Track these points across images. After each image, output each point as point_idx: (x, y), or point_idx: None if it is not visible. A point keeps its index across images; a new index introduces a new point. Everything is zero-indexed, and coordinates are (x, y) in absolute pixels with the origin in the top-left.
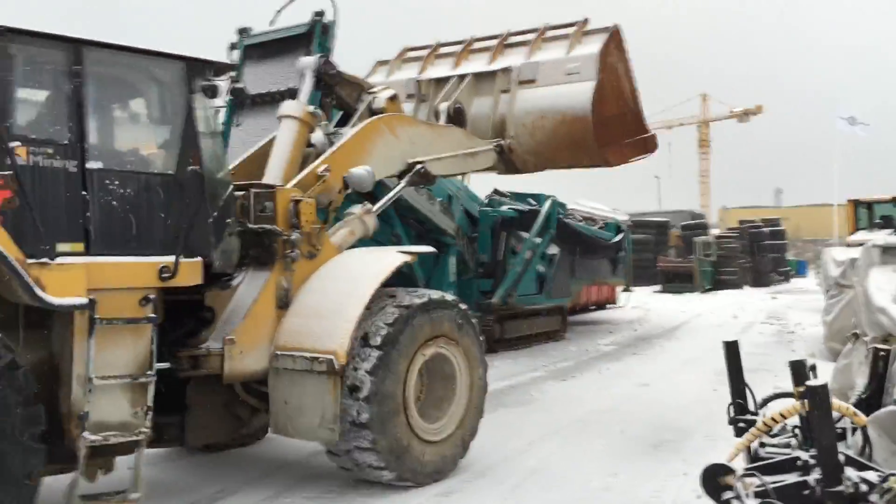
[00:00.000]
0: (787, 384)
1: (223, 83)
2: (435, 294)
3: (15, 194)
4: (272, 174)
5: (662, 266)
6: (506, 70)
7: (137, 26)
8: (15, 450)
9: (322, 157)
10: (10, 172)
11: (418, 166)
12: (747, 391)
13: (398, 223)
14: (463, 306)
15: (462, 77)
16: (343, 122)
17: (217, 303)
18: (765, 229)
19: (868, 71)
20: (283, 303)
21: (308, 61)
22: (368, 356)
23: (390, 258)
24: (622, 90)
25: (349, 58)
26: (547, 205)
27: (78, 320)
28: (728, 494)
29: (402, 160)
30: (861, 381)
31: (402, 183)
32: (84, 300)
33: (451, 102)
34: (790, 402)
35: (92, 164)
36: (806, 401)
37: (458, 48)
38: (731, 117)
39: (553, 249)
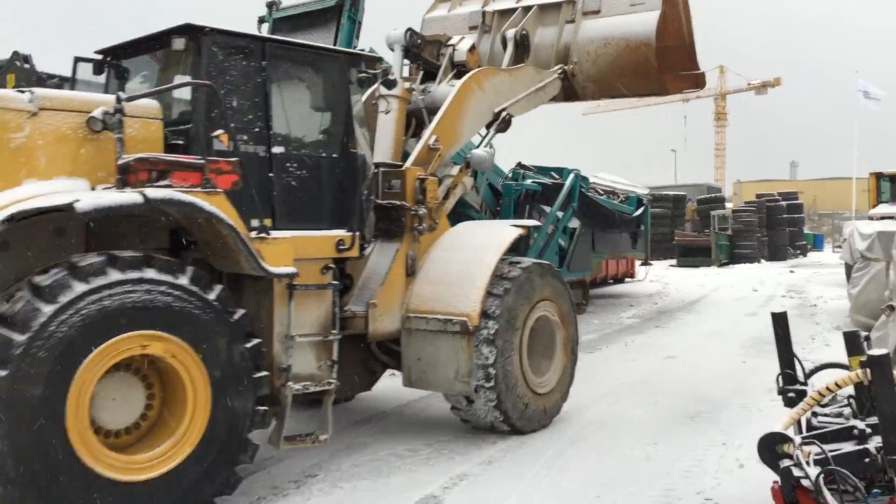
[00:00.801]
0: (817, 356)
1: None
2: (543, 262)
3: (240, 177)
4: (381, 152)
5: (679, 240)
6: (570, 1)
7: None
8: (246, 411)
9: (430, 129)
10: (237, 158)
11: (503, 114)
12: (796, 362)
13: None
14: (560, 274)
15: (527, 9)
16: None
17: (355, 271)
18: (782, 203)
19: (888, 46)
20: (411, 271)
21: (396, 36)
22: (495, 317)
23: (507, 231)
24: (680, 24)
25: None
26: (570, 178)
27: (277, 286)
28: (787, 462)
29: (490, 111)
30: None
31: (492, 132)
32: (294, 269)
33: (518, 29)
34: (842, 373)
35: (276, 150)
36: (867, 370)
37: None
38: (748, 90)
39: (574, 223)
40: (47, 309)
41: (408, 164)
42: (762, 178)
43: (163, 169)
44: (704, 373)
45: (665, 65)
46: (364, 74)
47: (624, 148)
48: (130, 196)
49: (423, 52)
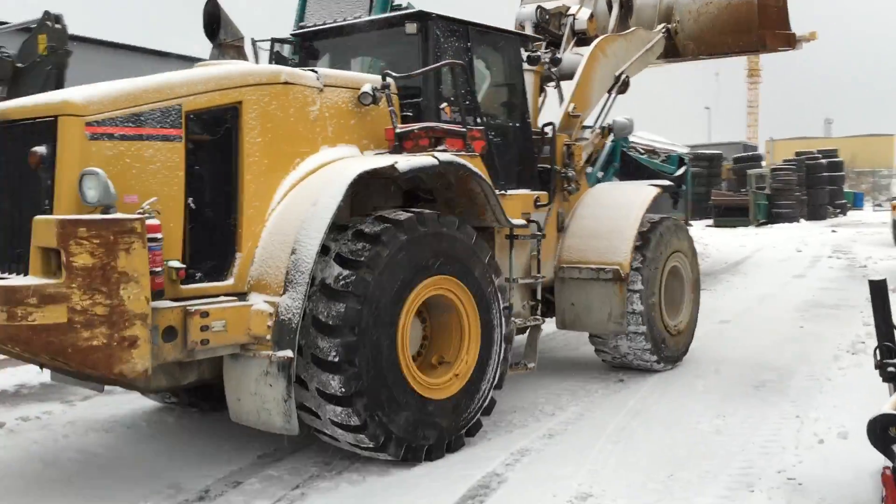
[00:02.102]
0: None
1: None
2: (675, 218)
3: (485, 143)
4: None
5: (716, 200)
6: None
7: None
8: (500, 341)
9: (568, 99)
10: (482, 126)
11: (623, 76)
12: None
13: None
14: (687, 230)
15: None
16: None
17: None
18: (822, 160)
19: None
20: (561, 227)
21: (528, 13)
22: (640, 267)
23: (647, 190)
24: None
25: None
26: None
27: (498, 237)
28: None
29: (612, 76)
30: None
31: (613, 95)
32: (523, 221)
33: None
34: None
35: (481, 121)
36: None
37: None
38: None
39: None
40: (385, 252)
41: (553, 130)
42: (796, 136)
43: (440, 136)
44: (762, 338)
45: (764, 22)
46: (532, 53)
47: (654, 105)
48: (428, 159)
49: (549, 25)
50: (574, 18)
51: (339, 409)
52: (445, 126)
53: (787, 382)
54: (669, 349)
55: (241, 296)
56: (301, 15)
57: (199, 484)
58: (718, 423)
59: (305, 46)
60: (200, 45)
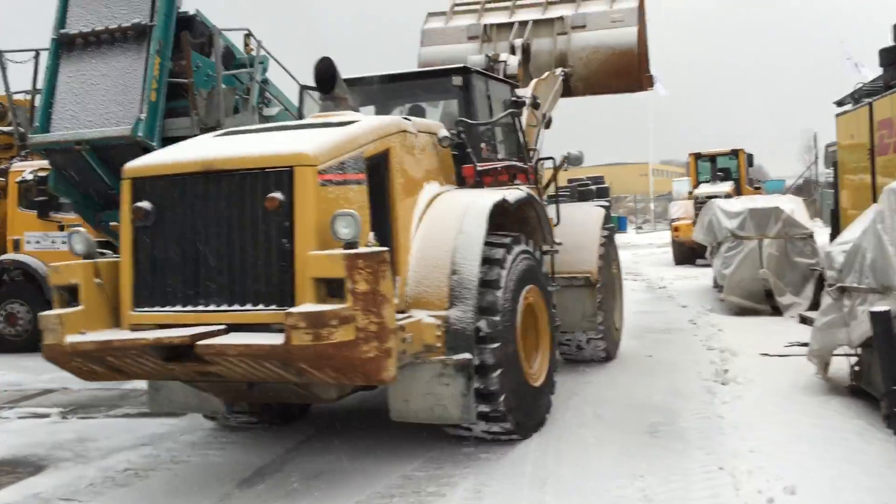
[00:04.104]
0: (726, 344)
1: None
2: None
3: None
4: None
5: None
6: (560, 18)
7: None
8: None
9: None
10: (532, 163)
11: (547, 114)
12: None
13: None
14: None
15: (523, 23)
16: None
17: None
18: (592, 187)
19: None
20: None
21: (478, 60)
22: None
23: (598, 209)
24: (644, 35)
25: None
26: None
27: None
28: None
29: (541, 114)
30: (855, 336)
31: (542, 131)
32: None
33: (524, 40)
34: None
35: (500, 155)
36: None
37: (508, 3)
38: None
39: None
40: (509, 258)
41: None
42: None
43: (514, 173)
44: (617, 373)
45: (642, 67)
46: (515, 98)
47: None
48: (520, 192)
49: (492, 71)
50: (506, 64)
51: (485, 405)
52: (518, 164)
53: (679, 424)
54: (614, 344)
55: (400, 313)
56: (62, 19)
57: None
58: (641, 486)
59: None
60: None
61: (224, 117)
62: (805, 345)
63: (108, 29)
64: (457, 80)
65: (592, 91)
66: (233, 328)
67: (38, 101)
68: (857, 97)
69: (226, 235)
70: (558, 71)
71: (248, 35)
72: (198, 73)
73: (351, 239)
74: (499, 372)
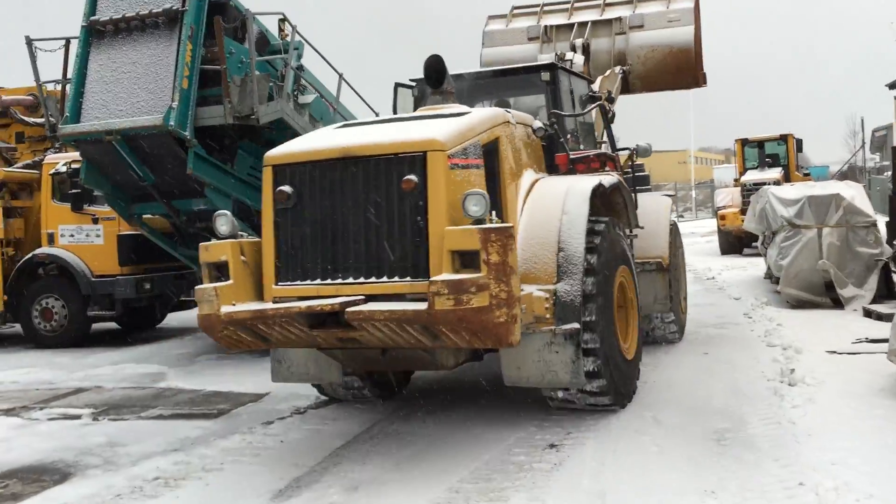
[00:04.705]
0: (789, 341)
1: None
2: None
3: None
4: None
5: None
6: (619, 19)
7: None
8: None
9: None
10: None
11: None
12: None
13: None
14: None
15: (582, 24)
16: None
17: None
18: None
19: None
20: None
21: (549, 58)
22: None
23: (665, 199)
24: (700, 34)
25: None
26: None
27: None
28: None
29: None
30: None
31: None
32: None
33: (584, 40)
34: None
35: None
36: None
37: (566, 6)
38: None
39: None
40: (607, 238)
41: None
42: None
43: (604, 161)
44: (673, 371)
45: (697, 64)
46: (592, 93)
47: None
48: (612, 178)
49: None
50: (572, 63)
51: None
52: (608, 153)
53: (747, 431)
54: (682, 325)
55: None
56: (92, 5)
57: None
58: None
59: (422, 91)
60: None
61: (258, 105)
62: (876, 341)
63: (138, 15)
64: (545, 76)
65: (650, 88)
66: (370, 298)
67: (68, 90)
68: None
69: (363, 214)
70: (618, 69)
71: (283, 20)
72: (231, 59)
73: (480, 216)
74: (601, 338)
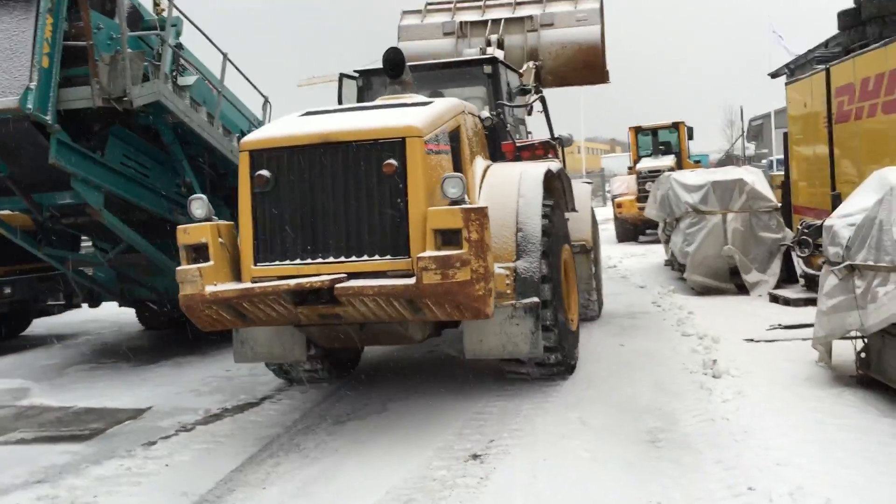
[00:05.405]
0: (713, 330)
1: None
2: None
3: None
4: None
5: None
6: (530, 17)
7: None
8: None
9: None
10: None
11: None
12: None
13: (189, 170)
14: None
15: (496, 21)
16: None
17: None
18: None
19: None
20: None
21: (473, 52)
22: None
23: (587, 185)
24: (603, 34)
25: None
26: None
27: None
28: None
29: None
30: (874, 320)
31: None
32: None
33: (498, 36)
34: None
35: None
36: None
37: (479, 2)
38: None
39: None
40: (555, 219)
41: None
42: None
43: (548, 148)
44: (590, 364)
45: (604, 62)
46: (523, 86)
47: None
48: (557, 164)
49: None
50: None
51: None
52: (549, 141)
53: (680, 430)
54: (601, 304)
55: None
56: None
57: None
58: None
59: (369, 82)
60: None
61: (131, 86)
62: (791, 327)
63: None
64: (487, 69)
65: (561, 83)
66: (350, 276)
67: None
68: (792, 67)
69: (342, 197)
70: (532, 64)
71: None
72: (98, 35)
73: (458, 197)
74: (555, 314)
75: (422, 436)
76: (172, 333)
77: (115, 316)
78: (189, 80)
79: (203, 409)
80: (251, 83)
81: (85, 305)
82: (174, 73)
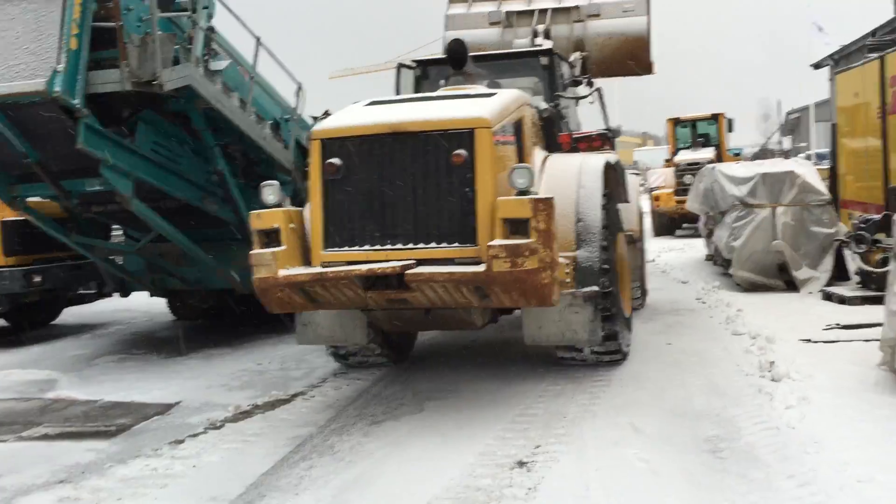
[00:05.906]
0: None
1: None
2: None
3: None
4: None
5: None
6: (577, 7)
7: None
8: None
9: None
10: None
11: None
12: None
13: (220, 158)
14: None
15: (542, 10)
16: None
17: None
18: None
19: None
20: None
21: (522, 43)
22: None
23: (635, 177)
24: (649, 24)
25: None
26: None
27: None
28: None
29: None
30: None
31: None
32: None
33: (546, 26)
34: None
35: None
36: None
37: None
38: None
39: None
40: (612, 209)
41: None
42: None
43: (605, 139)
44: (638, 365)
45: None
46: (576, 77)
47: None
48: (614, 156)
49: None
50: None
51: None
52: (606, 133)
53: (743, 439)
54: (646, 294)
55: None
56: None
57: None
58: None
59: (426, 72)
60: None
61: (161, 69)
62: (849, 327)
63: None
64: (544, 60)
65: (606, 73)
66: (419, 263)
67: None
68: (836, 58)
69: (412, 185)
70: (579, 55)
71: None
72: (128, 16)
73: (525, 188)
74: (612, 298)
75: (461, 439)
76: (204, 324)
77: (146, 306)
78: (221, 64)
79: (233, 405)
80: (284, 69)
81: (116, 294)
82: (206, 57)
